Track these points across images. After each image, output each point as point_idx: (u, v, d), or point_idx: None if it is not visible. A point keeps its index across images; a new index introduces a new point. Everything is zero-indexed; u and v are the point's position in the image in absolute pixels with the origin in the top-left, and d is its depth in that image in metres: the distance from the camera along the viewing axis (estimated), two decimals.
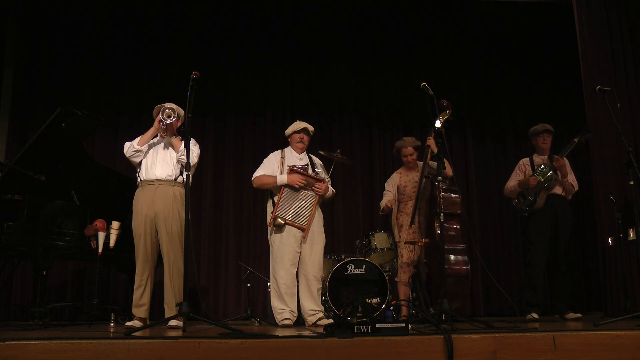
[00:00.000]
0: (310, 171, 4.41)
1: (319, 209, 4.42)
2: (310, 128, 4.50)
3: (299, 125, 4.48)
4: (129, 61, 6.87)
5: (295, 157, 4.48)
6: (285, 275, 4.21)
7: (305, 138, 4.48)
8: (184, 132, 3.37)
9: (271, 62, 7.12)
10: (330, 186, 4.49)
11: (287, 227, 4.24)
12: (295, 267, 4.27)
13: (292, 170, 4.31)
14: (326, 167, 4.65)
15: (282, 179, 4.30)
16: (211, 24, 7.05)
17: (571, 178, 4.83)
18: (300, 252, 4.28)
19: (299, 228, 4.26)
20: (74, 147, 4.83)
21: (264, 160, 4.51)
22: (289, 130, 4.54)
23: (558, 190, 4.79)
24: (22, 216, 4.12)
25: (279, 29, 7.15)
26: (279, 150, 4.55)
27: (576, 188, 4.88)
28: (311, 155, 4.59)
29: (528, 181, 4.78)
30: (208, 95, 6.88)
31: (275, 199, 4.31)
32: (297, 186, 4.27)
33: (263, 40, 7.12)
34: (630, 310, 4.13)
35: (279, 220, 4.21)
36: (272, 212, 4.28)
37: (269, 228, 4.34)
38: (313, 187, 4.32)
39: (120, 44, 6.90)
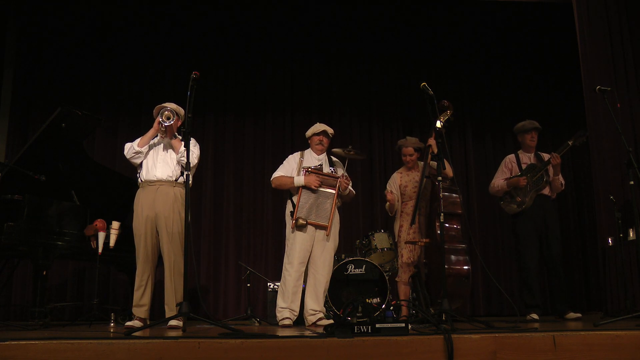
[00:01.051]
0: (326, 170, 4.46)
1: (337, 211, 4.45)
2: (330, 130, 4.57)
3: (318, 127, 4.54)
4: (129, 61, 6.88)
5: (314, 158, 4.55)
6: (293, 273, 4.26)
7: (325, 140, 4.55)
8: (184, 132, 3.37)
9: (271, 62, 7.13)
10: (350, 187, 4.52)
11: (303, 227, 4.28)
12: (304, 267, 4.32)
13: (307, 171, 4.37)
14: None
15: (299, 180, 4.35)
16: (211, 24, 7.05)
17: (560, 177, 4.83)
18: (312, 252, 4.32)
19: (321, 227, 4.31)
20: (74, 147, 4.83)
21: (284, 161, 4.59)
22: (309, 133, 4.60)
23: (545, 190, 4.79)
24: (22, 216, 4.12)
25: (279, 29, 7.15)
26: (299, 152, 4.63)
27: (563, 187, 4.88)
28: (331, 156, 4.66)
29: (518, 182, 4.77)
30: (208, 95, 6.89)
31: (294, 199, 4.36)
32: (313, 187, 4.32)
33: (263, 40, 7.12)
34: (630, 310, 4.14)
35: (301, 220, 4.26)
36: (292, 213, 4.32)
37: (287, 227, 4.38)
38: (338, 184, 4.36)
39: (120, 44, 6.90)
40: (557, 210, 4.97)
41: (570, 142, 4.73)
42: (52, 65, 6.78)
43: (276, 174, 4.52)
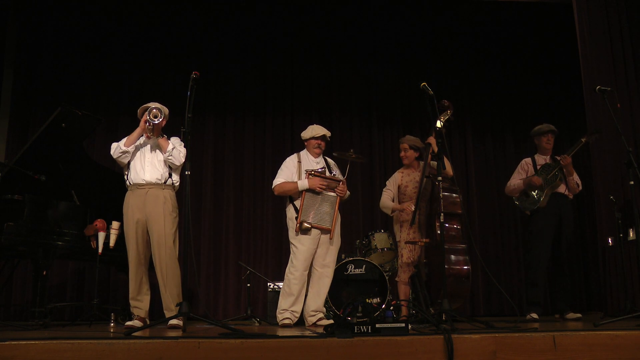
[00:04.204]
0: (327, 173, 4.43)
1: (339, 213, 4.45)
2: (329, 134, 4.53)
3: (318, 131, 4.47)
4: (129, 61, 6.87)
5: (311, 160, 4.50)
6: (298, 275, 4.24)
7: (323, 144, 4.51)
8: (184, 132, 3.36)
9: (271, 62, 7.13)
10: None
11: (308, 230, 4.26)
12: (307, 270, 4.31)
13: (311, 174, 4.34)
14: (341, 167, 4.66)
15: (304, 184, 4.30)
16: (212, 24, 7.04)
17: (576, 177, 4.83)
18: (316, 253, 4.31)
19: (324, 230, 4.29)
20: (74, 147, 4.83)
21: (282, 166, 4.51)
22: (306, 135, 4.53)
23: (562, 189, 4.79)
24: (22, 216, 4.12)
25: (279, 29, 7.15)
26: (295, 155, 4.57)
27: (580, 187, 4.88)
28: (326, 158, 4.61)
29: (532, 180, 4.78)
30: (208, 95, 6.88)
31: (296, 203, 4.33)
32: (318, 190, 4.29)
33: (263, 40, 7.12)
34: (630, 310, 4.13)
35: (305, 224, 4.24)
36: (296, 218, 4.29)
37: (290, 232, 4.34)
38: (335, 189, 4.34)
39: (120, 44, 6.90)
40: (573, 211, 4.97)
41: (583, 140, 4.73)
42: (52, 65, 6.77)
43: (277, 181, 4.43)
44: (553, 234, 4.75)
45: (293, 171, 4.43)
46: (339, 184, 4.37)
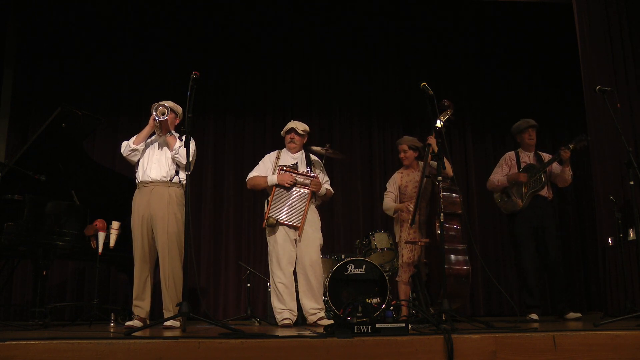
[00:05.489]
0: (302, 169, 4.42)
1: (315, 209, 4.43)
2: (301, 127, 4.50)
3: (287, 125, 4.53)
4: (129, 61, 6.88)
5: (289, 156, 4.51)
6: (281, 275, 4.23)
7: (296, 138, 4.49)
8: (184, 132, 3.37)
9: (271, 62, 7.13)
10: (328, 186, 4.50)
11: (282, 227, 4.27)
12: (292, 267, 4.29)
13: (282, 170, 4.35)
14: (324, 164, 4.64)
15: (273, 179, 4.34)
16: (212, 24, 7.05)
17: (570, 169, 4.81)
18: (297, 252, 4.30)
19: (292, 227, 4.28)
20: (74, 147, 4.83)
21: (260, 161, 4.56)
22: (282, 132, 4.58)
23: (543, 192, 4.79)
24: (22, 216, 4.12)
25: (279, 29, 7.15)
26: (276, 151, 4.60)
27: (571, 180, 4.87)
28: (310, 154, 4.60)
29: (518, 177, 4.77)
30: (208, 95, 6.89)
31: (269, 199, 4.34)
32: (287, 185, 4.29)
33: (263, 40, 7.12)
34: (630, 310, 4.12)
35: (272, 219, 4.24)
36: (265, 213, 4.30)
37: (265, 229, 4.35)
38: (306, 185, 4.33)
39: (120, 43, 6.90)
40: (554, 210, 4.96)
41: (571, 146, 4.70)
42: (52, 65, 6.78)
43: (251, 174, 4.49)
44: (536, 236, 4.75)
45: (269, 166, 4.47)
46: (311, 181, 4.34)
